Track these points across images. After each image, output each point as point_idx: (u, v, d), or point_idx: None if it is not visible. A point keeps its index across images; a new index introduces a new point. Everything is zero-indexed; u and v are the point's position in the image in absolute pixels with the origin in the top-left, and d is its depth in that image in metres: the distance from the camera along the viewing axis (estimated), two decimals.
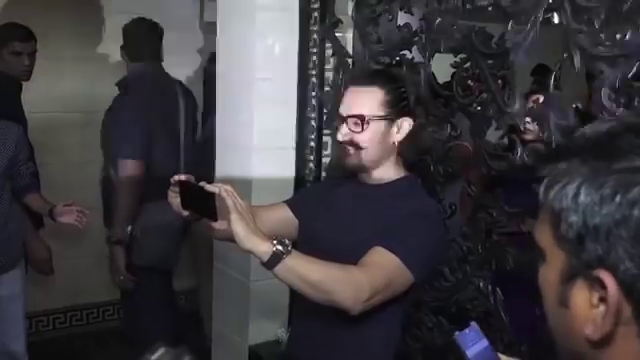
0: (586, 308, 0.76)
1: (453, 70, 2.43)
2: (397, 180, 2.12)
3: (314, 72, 2.97)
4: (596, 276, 0.74)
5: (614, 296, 0.72)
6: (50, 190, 3.64)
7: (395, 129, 2.06)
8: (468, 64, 2.35)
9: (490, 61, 2.29)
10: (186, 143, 3.58)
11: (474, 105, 2.38)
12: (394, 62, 2.75)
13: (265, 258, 1.68)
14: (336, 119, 2.11)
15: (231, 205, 1.71)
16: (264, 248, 1.68)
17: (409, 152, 2.18)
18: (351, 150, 2.05)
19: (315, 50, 2.97)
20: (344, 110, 2.05)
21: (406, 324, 2.39)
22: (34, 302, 4.01)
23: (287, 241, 1.72)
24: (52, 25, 4.14)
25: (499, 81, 2.27)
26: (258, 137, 2.96)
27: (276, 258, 1.68)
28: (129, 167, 3.29)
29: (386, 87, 2.04)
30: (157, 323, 3.46)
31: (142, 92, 3.43)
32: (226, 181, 3.12)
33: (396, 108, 2.05)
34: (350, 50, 2.89)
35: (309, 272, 1.73)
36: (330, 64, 2.96)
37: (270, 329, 2.57)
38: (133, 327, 3.62)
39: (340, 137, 2.03)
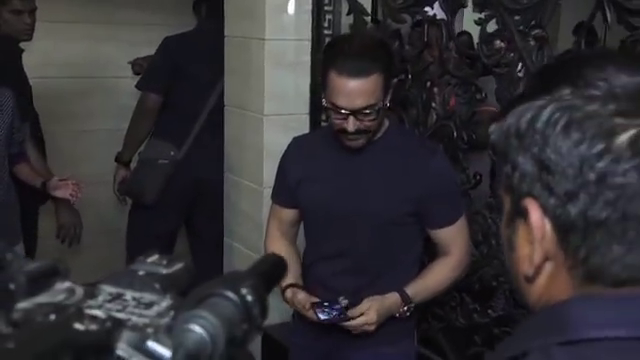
0: (524, 246, 0.76)
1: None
2: (386, 132, 2.21)
3: (329, 32, 2.93)
4: (524, 207, 0.74)
5: (536, 222, 0.73)
6: (54, 160, 3.65)
7: (389, 95, 2.14)
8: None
9: (517, 17, 2.24)
10: (220, 98, 3.56)
11: (501, 65, 2.33)
12: (414, 19, 2.70)
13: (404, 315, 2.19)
14: (331, 108, 2.09)
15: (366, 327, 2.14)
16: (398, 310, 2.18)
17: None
18: (355, 137, 2.12)
19: (330, 8, 2.92)
20: (348, 103, 2.04)
21: (429, 302, 2.40)
22: None
23: (407, 292, 2.16)
24: None
25: (531, 40, 2.23)
26: (269, 103, 2.95)
27: (408, 308, 2.18)
28: (148, 100, 3.60)
29: (383, 67, 2.07)
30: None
31: (184, 37, 3.68)
32: (236, 149, 3.15)
33: (390, 80, 2.15)
34: (368, 7, 2.85)
35: (432, 294, 2.25)
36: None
37: (285, 309, 2.56)
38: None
39: (351, 128, 2.07)
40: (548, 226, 0.72)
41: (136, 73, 4.19)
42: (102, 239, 4.39)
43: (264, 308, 0.56)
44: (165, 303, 0.56)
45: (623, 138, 0.67)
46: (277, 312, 2.75)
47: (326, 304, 2.13)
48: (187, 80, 3.57)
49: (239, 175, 3.20)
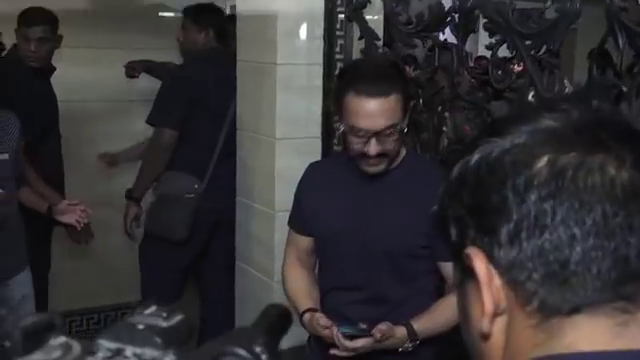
0: (476, 305, 0.71)
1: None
2: (404, 160, 2.18)
3: (341, 57, 2.92)
4: (466, 256, 0.71)
5: (480, 266, 0.69)
6: (69, 184, 3.69)
7: (407, 117, 2.12)
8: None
9: (528, 42, 2.23)
10: (232, 124, 3.54)
11: (511, 90, 2.32)
12: (425, 44, 2.69)
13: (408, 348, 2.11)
14: (350, 132, 2.08)
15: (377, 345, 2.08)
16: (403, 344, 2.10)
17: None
18: (376, 161, 2.09)
19: (341, 33, 2.92)
20: (369, 124, 2.02)
21: None
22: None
23: (414, 326, 2.09)
24: (76, 12, 4.15)
25: (540, 64, 2.22)
26: (281, 126, 2.95)
27: (413, 344, 2.11)
28: (164, 135, 3.46)
29: (400, 88, 2.07)
30: (161, 293, 3.49)
31: (195, 65, 3.59)
32: (248, 173, 3.15)
33: (408, 101, 2.13)
34: (380, 32, 2.85)
35: (438, 331, 2.12)
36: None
37: (296, 334, 2.54)
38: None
39: (373, 151, 2.04)
40: (493, 270, 0.69)
41: (129, 76, 4.15)
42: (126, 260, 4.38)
43: None
44: (168, 359, 0.54)
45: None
46: (291, 335, 2.73)
47: (347, 326, 2.10)
48: (202, 109, 3.50)
49: (251, 199, 3.20)
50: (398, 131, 2.06)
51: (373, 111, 2.02)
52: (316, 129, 3.00)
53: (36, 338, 0.54)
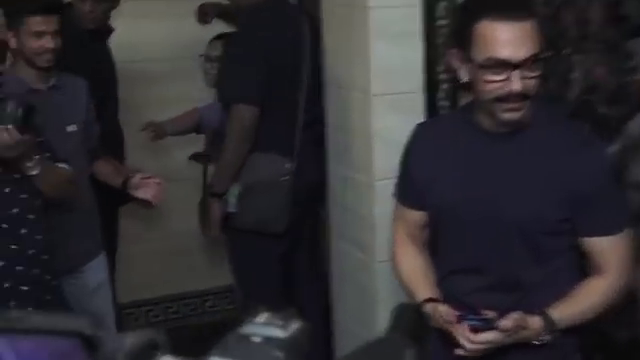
0: None
1: None
2: (533, 117, 2.08)
3: None
4: None
5: None
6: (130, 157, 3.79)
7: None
8: None
9: None
10: (309, 87, 3.53)
11: None
12: None
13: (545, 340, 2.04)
14: (486, 67, 1.98)
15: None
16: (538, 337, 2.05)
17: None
18: (519, 104, 1.99)
19: None
20: (512, 53, 1.94)
21: None
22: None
23: (552, 316, 2.03)
24: None
25: None
26: (377, 79, 2.88)
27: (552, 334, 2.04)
28: (246, 114, 3.37)
29: (533, 13, 2.00)
30: (268, 298, 3.46)
31: (261, 25, 3.46)
32: (341, 136, 3.16)
33: (542, 29, 2.03)
34: None
35: (579, 320, 2.09)
36: None
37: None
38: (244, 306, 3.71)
39: (518, 86, 1.95)
40: None
41: (201, 22, 4.18)
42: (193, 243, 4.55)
43: None
44: None
45: None
46: None
47: (472, 316, 2.04)
48: (280, 76, 3.40)
49: (345, 167, 3.14)
50: (541, 65, 1.97)
51: (515, 37, 1.94)
52: (417, 82, 2.91)
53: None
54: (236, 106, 3.36)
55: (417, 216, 2.27)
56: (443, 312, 2.06)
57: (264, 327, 0.59)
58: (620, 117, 2.36)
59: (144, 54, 4.22)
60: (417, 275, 2.26)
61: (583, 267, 2.18)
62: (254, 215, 3.45)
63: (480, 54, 1.97)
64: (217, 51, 4.00)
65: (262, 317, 0.61)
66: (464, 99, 2.79)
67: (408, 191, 2.28)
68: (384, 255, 2.81)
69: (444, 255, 2.26)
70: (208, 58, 4.10)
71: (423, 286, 2.21)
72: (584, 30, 2.48)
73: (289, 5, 3.50)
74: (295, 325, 0.60)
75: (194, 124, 4.04)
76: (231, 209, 3.45)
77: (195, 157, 4.15)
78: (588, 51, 2.51)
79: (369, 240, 2.97)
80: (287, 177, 3.38)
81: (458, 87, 2.78)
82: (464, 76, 2.05)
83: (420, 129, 2.31)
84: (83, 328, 0.63)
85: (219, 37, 4.10)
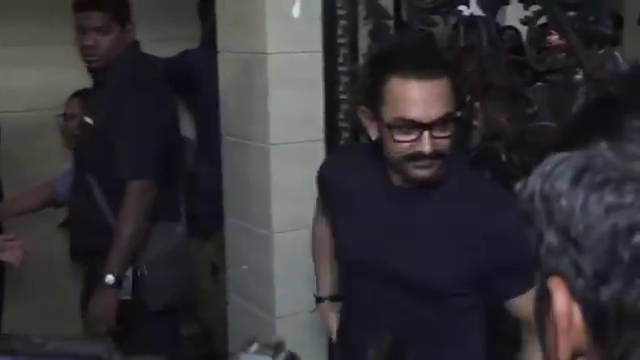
0: (551, 333, 0.71)
1: None
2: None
3: (344, 41, 2.87)
4: (549, 288, 0.69)
5: (561, 308, 0.68)
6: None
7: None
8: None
9: (572, 13, 2.19)
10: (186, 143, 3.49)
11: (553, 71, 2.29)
12: (446, 22, 2.65)
13: None
14: (396, 127, 1.92)
15: None
16: None
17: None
18: (429, 162, 1.93)
19: (343, 12, 2.85)
20: (422, 113, 1.88)
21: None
22: None
23: None
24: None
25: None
26: (276, 129, 2.87)
27: None
28: (138, 189, 3.04)
29: (449, 71, 1.97)
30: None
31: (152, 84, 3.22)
32: (238, 188, 3.09)
33: (457, 87, 2.02)
34: (390, 10, 2.80)
35: None
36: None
37: None
38: None
39: (428, 149, 1.89)
40: (577, 315, 0.67)
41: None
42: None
43: None
44: None
45: None
46: None
47: None
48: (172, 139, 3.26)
49: (242, 219, 3.09)
50: (453, 122, 1.93)
51: (426, 97, 1.89)
52: (318, 131, 2.90)
53: None
54: (134, 182, 3.03)
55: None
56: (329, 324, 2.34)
57: (256, 357, 0.60)
58: (523, 164, 2.36)
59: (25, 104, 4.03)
60: (324, 264, 2.43)
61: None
62: (167, 290, 3.16)
63: (389, 113, 1.92)
64: (76, 109, 3.69)
65: (253, 347, 0.64)
66: None
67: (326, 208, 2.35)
68: (283, 310, 2.74)
69: (346, 298, 2.28)
70: (68, 116, 3.77)
71: (326, 280, 2.42)
72: (485, 77, 2.48)
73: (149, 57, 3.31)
74: (284, 354, 0.62)
75: (46, 200, 3.72)
76: (125, 296, 3.05)
77: (65, 225, 3.79)
78: (490, 98, 2.50)
79: (266, 294, 2.93)
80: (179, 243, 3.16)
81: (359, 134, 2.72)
82: (373, 134, 1.99)
83: (337, 151, 2.49)
84: (101, 352, 0.61)
85: (77, 94, 3.79)
